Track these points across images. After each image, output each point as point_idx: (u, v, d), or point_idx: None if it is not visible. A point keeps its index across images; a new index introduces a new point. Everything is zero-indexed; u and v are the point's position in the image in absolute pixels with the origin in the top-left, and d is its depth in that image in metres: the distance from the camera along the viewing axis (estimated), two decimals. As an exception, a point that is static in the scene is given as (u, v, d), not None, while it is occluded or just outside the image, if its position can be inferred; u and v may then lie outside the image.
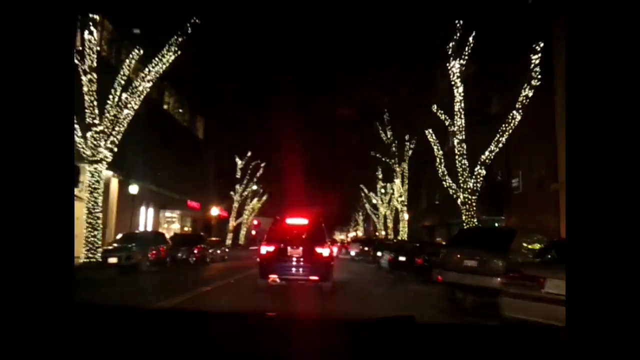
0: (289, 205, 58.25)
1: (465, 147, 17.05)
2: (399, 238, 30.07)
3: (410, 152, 29.77)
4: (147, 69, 16.95)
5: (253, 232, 58.71)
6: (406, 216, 30.55)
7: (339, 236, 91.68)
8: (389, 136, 30.88)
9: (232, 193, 41.17)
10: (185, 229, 38.03)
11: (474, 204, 17.10)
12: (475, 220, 17.20)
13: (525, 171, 23.25)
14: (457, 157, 17.08)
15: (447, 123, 17.40)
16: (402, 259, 18.92)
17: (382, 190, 43.26)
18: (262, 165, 42.06)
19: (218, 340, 1.56)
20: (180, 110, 38.43)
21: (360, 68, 30.33)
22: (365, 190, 46.14)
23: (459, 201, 17.84)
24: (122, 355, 1.44)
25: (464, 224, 17.01)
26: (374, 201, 45.69)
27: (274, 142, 44.29)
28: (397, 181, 30.48)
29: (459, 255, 10.20)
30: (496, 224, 25.12)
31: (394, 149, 30.61)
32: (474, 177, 16.90)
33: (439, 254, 18.03)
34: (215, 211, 36.30)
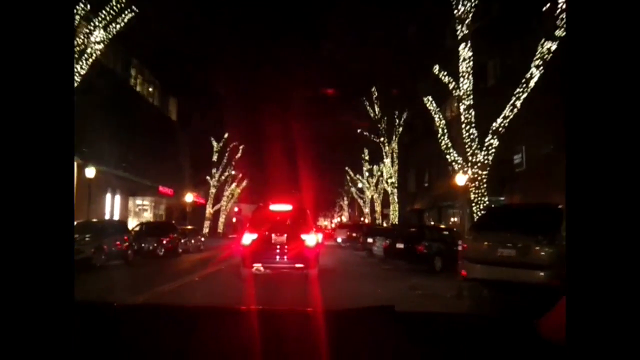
0: (271, 191, 56.04)
1: (473, 114, 14.59)
2: (392, 223, 27.71)
3: (400, 128, 27.30)
4: (92, 25, 14.13)
5: (234, 220, 56.24)
6: (397, 199, 28.17)
7: (323, 222, 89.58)
8: (377, 112, 28.36)
9: (208, 178, 38.27)
10: (159, 217, 35.34)
11: (484, 180, 14.72)
12: (485, 199, 14.83)
13: (530, 146, 21.02)
14: (463, 125, 14.63)
15: (451, 87, 14.88)
16: (399, 246, 16.57)
17: (369, 173, 40.93)
18: (241, 148, 39.16)
19: (197, 335, 1.50)
20: (150, 89, 35.47)
21: (347, 31, 27.69)
22: (351, 173, 43.60)
23: (462, 179, 15.44)
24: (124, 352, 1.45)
25: (474, 205, 14.62)
26: (360, 184, 43.32)
27: (253, 124, 41.54)
28: (387, 161, 27.90)
29: (489, 243, 7.78)
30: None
31: (382, 125, 28.06)
32: (484, 148, 14.48)
33: (444, 240, 16.14)
34: (189, 197, 33.46)
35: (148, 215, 33.14)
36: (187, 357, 1.41)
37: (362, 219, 58.06)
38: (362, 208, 57.56)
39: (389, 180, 28.06)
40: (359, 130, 28.93)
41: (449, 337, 1.54)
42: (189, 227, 28.07)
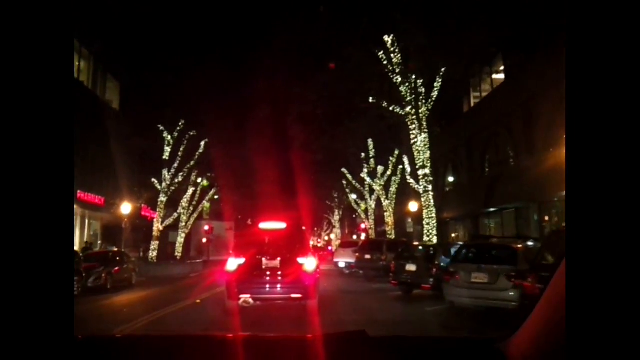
0: (255, 206, 46.37)
1: None
2: (426, 235, 17.88)
3: (439, 84, 17.65)
4: None
5: (204, 240, 46.36)
6: (432, 200, 18.16)
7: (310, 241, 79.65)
8: (395, 62, 17.82)
9: (154, 181, 28.34)
10: (91, 237, 25.39)
11: None
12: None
13: None
14: None
15: None
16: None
17: (370, 177, 31.35)
18: (203, 143, 29.18)
19: None
20: (80, 64, 25.97)
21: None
22: (349, 177, 33.89)
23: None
24: None
25: None
26: (366, 182, 33.54)
27: (222, 119, 31.58)
28: (422, 137, 18.10)
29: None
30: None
31: (404, 90, 18.41)
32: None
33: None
34: (126, 208, 23.57)
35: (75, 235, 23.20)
36: None
37: (360, 234, 48.36)
38: (361, 221, 48.01)
39: (422, 172, 18.44)
40: (370, 99, 19.21)
41: (416, 358, 1.63)
42: (114, 249, 18.27)
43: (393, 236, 28.26)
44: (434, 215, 17.92)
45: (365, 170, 31.24)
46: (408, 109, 17.94)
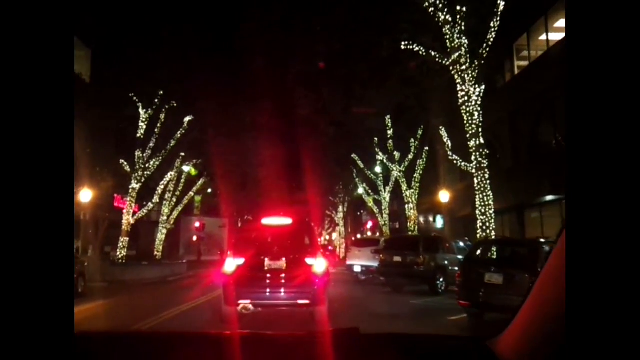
0: (245, 200, 41.36)
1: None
2: (487, 234, 12.74)
3: (496, 23, 12.61)
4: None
5: (194, 238, 41.79)
6: (488, 182, 12.89)
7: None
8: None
9: (123, 163, 22.76)
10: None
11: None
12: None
13: None
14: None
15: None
16: None
17: (381, 166, 26.28)
18: (187, 120, 24.18)
19: None
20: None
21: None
22: (360, 163, 28.79)
23: None
24: None
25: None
26: (379, 169, 28.66)
27: (213, 96, 26.54)
28: (477, 91, 12.85)
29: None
30: None
31: (449, 33, 13.19)
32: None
33: None
34: (86, 195, 18.73)
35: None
36: None
37: (367, 230, 43.48)
38: (368, 219, 43.33)
39: (473, 143, 13.04)
40: (403, 45, 14.15)
41: (406, 354, 1.61)
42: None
43: (416, 233, 23.32)
44: (491, 202, 13.03)
45: (379, 158, 26.29)
46: (456, 55, 13.04)
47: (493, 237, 12.99)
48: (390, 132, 24.70)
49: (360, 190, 31.85)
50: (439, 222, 27.49)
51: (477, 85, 12.90)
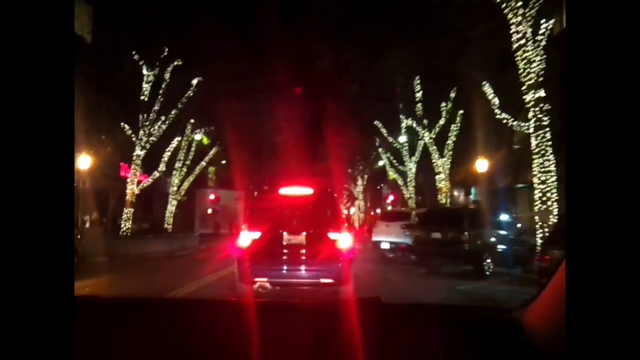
0: (260, 170, 39.55)
1: None
2: (548, 207, 10.37)
3: None
4: None
5: (209, 211, 40.55)
6: (549, 144, 10.59)
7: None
8: None
9: (124, 126, 20.77)
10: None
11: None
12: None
13: None
14: None
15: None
16: None
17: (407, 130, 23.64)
18: (195, 81, 22.17)
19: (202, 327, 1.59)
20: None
21: None
22: (384, 131, 26.48)
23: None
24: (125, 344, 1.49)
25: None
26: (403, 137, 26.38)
27: (225, 58, 24.31)
28: (543, 26, 10.29)
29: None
30: None
31: None
32: None
33: None
34: (85, 162, 17.01)
35: None
36: (186, 347, 1.46)
37: (388, 205, 41.02)
38: (389, 192, 41.01)
39: (531, 97, 10.48)
40: None
41: (429, 324, 1.59)
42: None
43: (448, 206, 21.19)
44: (553, 167, 10.80)
45: (406, 124, 23.93)
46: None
47: (555, 211, 10.78)
48: (419, 94, 22.30)
49: (382, 162, 29.67)
50: (473, 195, 25.28)
51: (545, 20, 10.51)
